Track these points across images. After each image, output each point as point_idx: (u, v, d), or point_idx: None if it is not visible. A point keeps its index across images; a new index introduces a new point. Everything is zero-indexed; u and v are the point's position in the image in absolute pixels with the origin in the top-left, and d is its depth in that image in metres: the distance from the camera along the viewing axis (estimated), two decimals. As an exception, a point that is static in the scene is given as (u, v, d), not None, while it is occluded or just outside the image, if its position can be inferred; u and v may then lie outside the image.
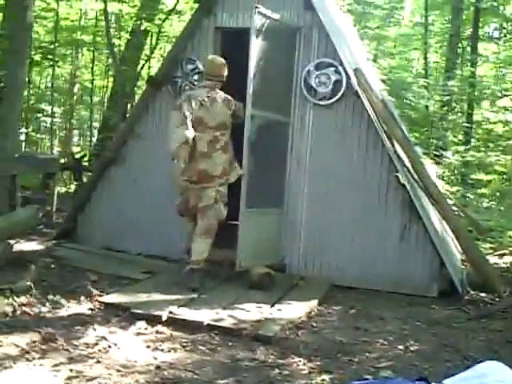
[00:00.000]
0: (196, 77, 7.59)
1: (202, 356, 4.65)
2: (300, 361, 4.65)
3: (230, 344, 4.93)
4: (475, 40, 16.71)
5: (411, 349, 5.09)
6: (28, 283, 5.84)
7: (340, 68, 7.11)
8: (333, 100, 7.15)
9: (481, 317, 6.15)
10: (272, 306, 5.90)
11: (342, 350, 4.96)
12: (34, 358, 4.34)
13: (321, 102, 7.20)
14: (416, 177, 6.97)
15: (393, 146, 6.98)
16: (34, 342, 4.64)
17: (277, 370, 4.44)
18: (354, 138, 7.12)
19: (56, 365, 4.26)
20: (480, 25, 17.15)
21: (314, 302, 6.15)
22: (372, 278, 7.01)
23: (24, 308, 5.36)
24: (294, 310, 5.84)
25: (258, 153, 6.89)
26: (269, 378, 4.31)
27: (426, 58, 18.69)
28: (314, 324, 5.60)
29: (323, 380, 4.31)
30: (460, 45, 17.90)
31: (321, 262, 7.17)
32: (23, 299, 5.55)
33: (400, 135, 7.09)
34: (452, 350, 5.11)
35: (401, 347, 5.11)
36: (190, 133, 6.33)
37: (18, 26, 7.88)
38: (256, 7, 6.66)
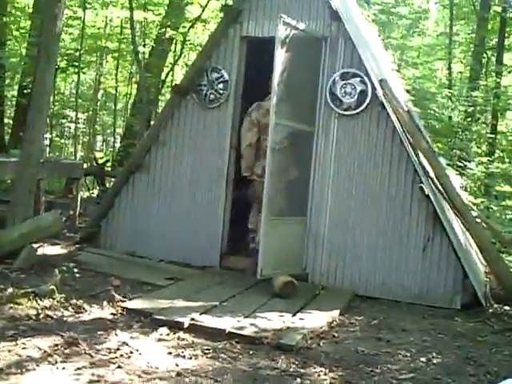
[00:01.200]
0: (221, 85, 7.63)
1: (223, 364, 4.64)
2: (321, 371, 4.63)
3: (251, 352, 4.92)
4: (500, 50, 16.57)
5: (434, 361, 5.04)
6: (51, 287, 5.88)
7: (365, 78, 7.11)
8: (358, 110, 7.14)
9: (505, 330, 6.07)
10: (294, 315, 5.88)
11: (363, 360, 4.93)
12: (56, 362, 4.36)
13: (346, 112, 7.20)
14: (440, 188, 6.92)
15: (417, 156, 6.94)
16: (56, 345, 4.67)
17: (298, 380, 4.41)
18: (379, 148, 7.10)
19: (78, 368, 4.28)
20: (506, 35, 17.00)
21: (336, 312, 6.13)
22: (395, 288, 6.97)
23: (47, 311, 5.40)
24: (316, 319, 5.81)
25: (281, 161, 6.90)
26: (290, 387, 4.30)
27: (450, 68, 18.61)
28: (336, 334, 5.57)
29: (345, 390, 4.29)
30: (485, 55, 17.78)
31: (343, 272, 7.15)
32: (46, 303, 5.60)
33: (425, 146, 7.05)
34: (475, 364, 5.05)
35: (423, 359, 5.06)
36: (254, 137, 7.31)
37: (47, 34, 7.95)
38: (281, 17, 6.68)
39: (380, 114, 7.09)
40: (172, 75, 15.63)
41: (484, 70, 17.78)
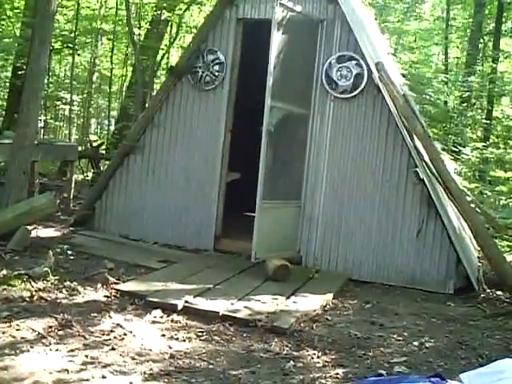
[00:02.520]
0: (217, 67, 7.59)
1: (216, 346, 4.66)
2: (314, 354, 4.65)
3: (245, 335, 4.94)
4: (497, 35, 16.51)
5: (426, 345, 5.06)
6: (45, 269, 5.88)
7: (361, 61, 7.08)
8: (354, 93, 7.12)
9: (497, 315, 6.10)
10: (287, 298, 5.90)
11: (356, 344, 4.95)
12: (50, 343, 4.37)
13: (341, 96, 7.18)
14: (435, 172, 6.92)
15: (413, 141, 6.93)
16: (50, 327, 4.68)
17: (291, 362, 4.43)
18: (374, 132, 7.09)
19: (72, 350, 4.30)
20: (503, 20, 16.93)
21: (330, 296, 6.15)
22: (388, 273, 7.00)
23: (41, 293, 5.40)
24: (310, 302, 5.83)
25: (276, 145, 6.88)
26: (283, 369, 4.31)
27: (446, 53, 18.55)
28: (329, 317, 5.59)
29: (337, 373, 4.30)
30: (481, 40, 17.73)
31: (337, 256, 7.16)
32: (40, 285, 5.62)
33: (420, 131, 7.03)
34: (467, 348, 5.08)
35: (416, 343, 5.08)
36: None
37: (41, 14, 7.89)
38: (278, -1, 6.63)
39: (376, 98, 7.07)
40: (167, 57, 15.54)
41: (480, 55, 17.74)
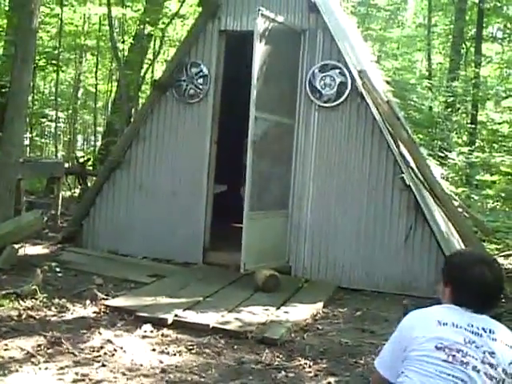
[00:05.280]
0: (200, 80, 7.61)
1: (207, 359, 4.64)
2: (306, 363, 4.64)
3: (236, 347, 4.92)
4: (479, 40, 16.64)
5: (417, 351, 5.05)
6: (33, 287, 5.84)
7: (345, 70, 7.12)
8: (338, 102, 7.15)
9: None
10: (278, 308, 5.89)
11: (347, 352, 4.95)
12: (39, 362, 4.34)
13: (326, 104, 7.20)
14: (421, 178, 6.95)
15: (398, 147, 6.96)
16: (39, 345, 4.64)
17: (283, 373, 4.43)
18: (359, 139, 7.11)
19: (61, 368, 4.26)
20: (484, 25, 17.08)
21: (320, 305, 6.14)
22: (377, 279, 7.00)
23: (29, 312, 5.37)
24: (300, 312, 5.82)
25: (262, 155, 6.89)
26: (275, 380, 4.30)
27: (429, 59, 18.67)
28: (320, 326, 5.59)
29: (329, 382, 4.30)
30: (464, 46, 17.86)
31: (326, 264, 7.17)
32: (29, 303, 5.58)
33: (405, 136, 7.07)
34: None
35: (407, 349, 5.07)
36: None
37: (23, 31, 7.87)
38: (259, 10, 6.66)
39: (360, 106, 7.11)
40: (152, 71, 15.53)
41: (463, 60, 17.86)
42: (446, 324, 2.32)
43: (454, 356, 2.26)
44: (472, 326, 2.32)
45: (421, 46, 19.52)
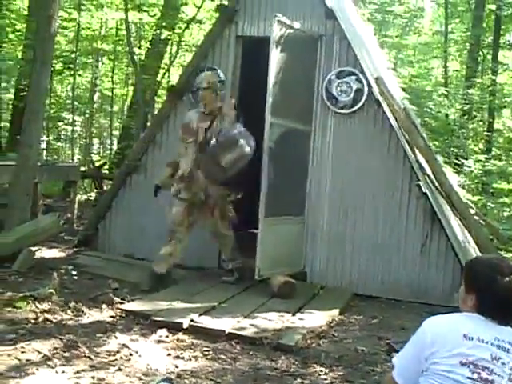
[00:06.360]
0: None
1: (223, 365, 4.64)
2: (322, 370, 4.63)
3: (251, 353, 4.92)
4: (496, 48, 16.56)
5: (434, 359, 5.02)
6: (50, 290, 5.87)
7: (361, 76, 7.11)
8: (354, 109, 7.14)
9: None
10: (293, 314, 5.88)
11: (363, 359, 4.93)
12: (56, 365, 4.36)
13: (342, 111, 7.19)
14: (438, 186, 6.93)
15: (414, 154, 6.94)
16: (56, 348, 4.66)
17: (298, 380, 4.42)
18: (376, 146, 7.10)
19: (78, 371, 4.28)
20: (501, 33, 17.00)
21: (336, 311, 6.13)
22: (393, 287, 6.97)
23: (46, 315, 5.39)
24: (316, 319, 5.81)
25: (278, 161, 6.89)
26: (291, 387, 4.29)
27: (445, 67, 18.60)
28: (336, 333, 5.57)
29: (345, 390, 4.29)
30: (480, 53, 17.78)
31: (342, 271, 7.14)
32: (45, 306, 5.59)
33: (422, 144, 7.05)
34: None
35: (423, 357, 5.04)
36: None
37: (41, 35, 7.94)
38: (275, 16, 6.67)
39: (376, 113, 7.09)
40: (168, 76, 15.61)
41: (480, 67, 17.78)
42: (472, 338, 2.25)
43: (479, 373, 2.19)
44: (498, 339, 2.26)
45: (437, 53, 19.44)
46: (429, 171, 6.99)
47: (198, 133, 6.67)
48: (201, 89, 6.79)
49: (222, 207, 6.81)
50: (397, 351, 2.54)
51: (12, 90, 16.23)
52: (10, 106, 16.27)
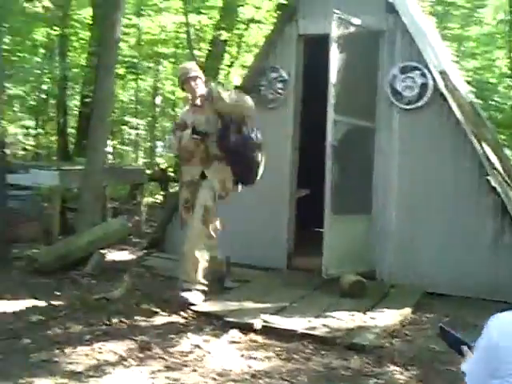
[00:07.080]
0: (280, 85, 7.61)
1: (296, 365, 4.64)
2: (396, 370, 4.58)
3: (324, 353, 4.90)
4: None
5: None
6: (122, 292, 5.99)
7: (425, 71, 6.99)
8: (419, 104, 7.02)
9: None
10: (365, 314, 5.83)
11: (437, 358, 4.85)
12: (131, 365, 4.45)
13: (407, 106, 7.09)
14: (507, 179, 6.76)
15: (482, 148, 6.78)
16: (130, 349, 4.76)
17: (373, 379, 4.38)
18: (443, 141, 6.96)
19: (153, 372, 4.36)
20: None
21: (408, 310, 6.04)
22: (465, 284, 6.81)
23: (119, 316, 5.49)
24: (388, 318, 5.74)
25: (342, 158, 6.85)
26: (365, 387, 4.26)
27: (510, 57, 18.11)
28: (408, 332, 5.49)
29: (421, 390, 4.23)
30: (547, 41, 17.25)
31: (412, 269, 7.02)
32: (118, 308, 5.70)
33: (489, 137, 6.89)
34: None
35: (499, 356, 4.93)
36: None
37: (105, 42, 8.12)
38: (335, 13, 6.63)
39: (442, 107, 6.96)
40: (229, 77, 15.69)
41: (546, 56, 17.25)
42: None
43: None
44: None
45: (501, 43, 18.93)
46: (497, 165, 6.82)
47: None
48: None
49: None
50: (449, 335, 2.45)
51: (78, 97, 16.61)
52: (76, 113, 16.65)
